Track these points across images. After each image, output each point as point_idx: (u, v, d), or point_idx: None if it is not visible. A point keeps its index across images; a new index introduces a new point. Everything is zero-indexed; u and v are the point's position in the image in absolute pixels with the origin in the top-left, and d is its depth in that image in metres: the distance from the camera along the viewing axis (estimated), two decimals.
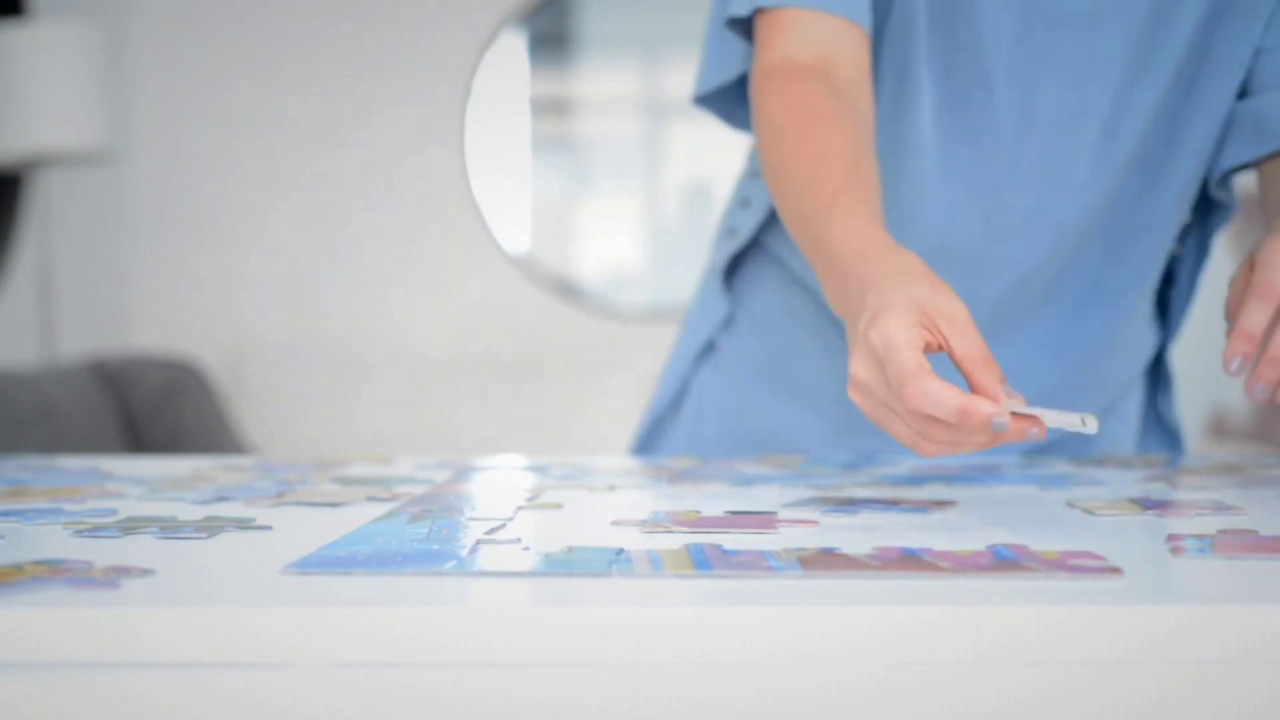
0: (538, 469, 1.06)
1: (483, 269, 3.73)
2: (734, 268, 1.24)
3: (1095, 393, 1.19)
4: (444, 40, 3.71)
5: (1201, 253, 1.20)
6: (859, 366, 0.77)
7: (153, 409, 3.03)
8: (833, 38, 1.00)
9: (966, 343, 0.76)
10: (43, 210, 3.09)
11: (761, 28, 1.02)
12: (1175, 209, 1.13)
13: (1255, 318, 0.85)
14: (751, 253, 1.23)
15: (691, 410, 1.25)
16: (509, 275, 3.73)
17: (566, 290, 3.77)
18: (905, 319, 0.75)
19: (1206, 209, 1.19)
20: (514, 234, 3.79)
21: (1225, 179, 1.14)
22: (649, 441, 1.29)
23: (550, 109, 3.94)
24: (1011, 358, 1.09)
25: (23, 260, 3.20)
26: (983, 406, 0.72)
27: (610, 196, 4.05)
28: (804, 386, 1.20)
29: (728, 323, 1.24)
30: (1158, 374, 1.28)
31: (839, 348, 1.17)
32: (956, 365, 0.76)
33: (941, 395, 0.72)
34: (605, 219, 4.01)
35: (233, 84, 3.70)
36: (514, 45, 3.79)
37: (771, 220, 1.19)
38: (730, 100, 1.14)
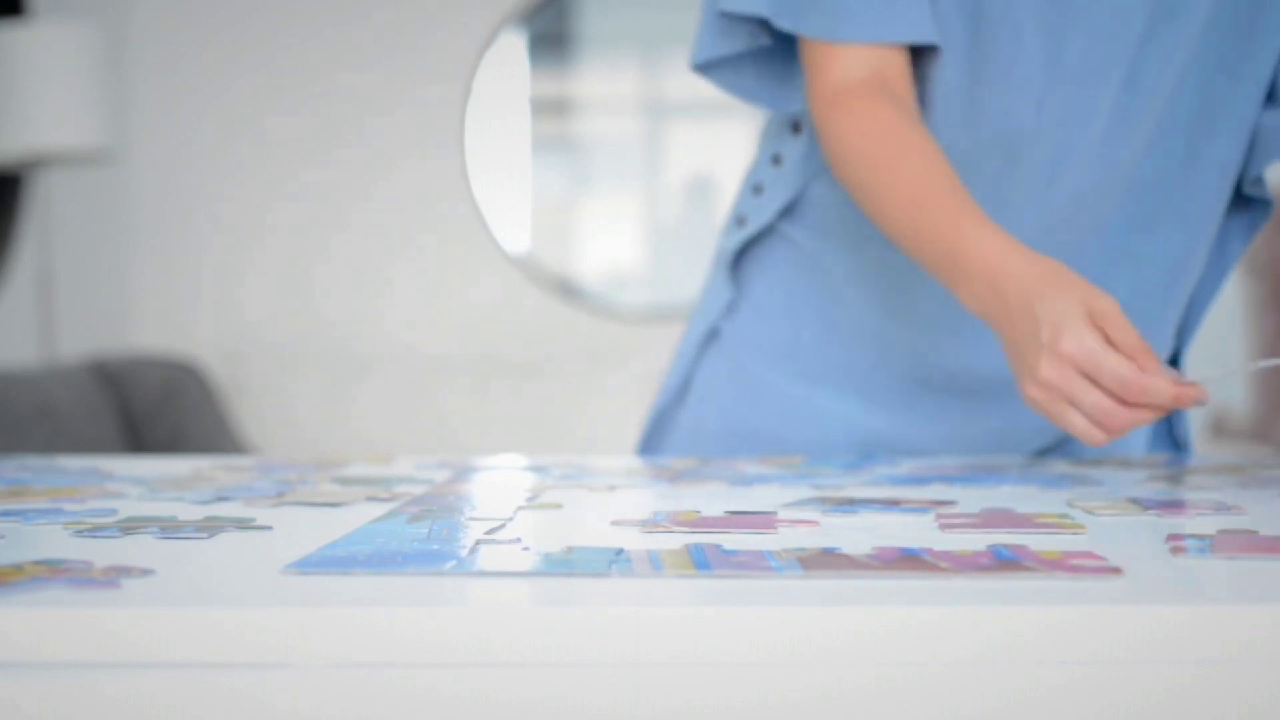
0: (537, 469, 1.06)
1: (483, 269, 3.73)
2: (740, 255, 1.24)
3: None
4: (444, 40, 3.71)
5: (1226, 255, 1.19)
6: (1049, 370, 0.87)
7: (153, 409, 3.03)
8: (884, 54, 1.05)
9: (1126, 334, 0.86)
10: (43, 210, 3.09)
11: (811, 48, 1.07)
12: (1210, 190, 1.11)
13: None
14: (761, 239, 1.23)
15: (696, 399, 1.25)
16: (509, 275, 3.73)
17: (566, 290, 3.77)
18: (1089, 328, 0.86)
19: (1238, 208, 1.18)
20: (514, 234, 3.79)
21: (1259, 178, 1.14)
22: (655, 434, 1.29)
23: (550, 109, 3.94)
24: None
25: (23, 260, 3.20)
26: (1187, 391, 0.85)
27: (610, 196, 4.05)
28: (811, 366, 1.20)
29: (730, 309, 1.24)
30: None
31: (847, 327, 1.18)
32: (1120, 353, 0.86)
33: (1159, 388, 0.85)
34: (605, 219, 4.01)
35: (233, 84, 3.70)
36: (514, 45, 3.79)
37: (788, 207, 1.19)
38: (729, 69, 1.14)
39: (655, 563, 0.63)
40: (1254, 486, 0.92)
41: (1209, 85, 1.09)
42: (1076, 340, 0.85)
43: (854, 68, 1.05)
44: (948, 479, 0.97)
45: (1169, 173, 1.10)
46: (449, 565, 0.63)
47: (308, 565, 0.63)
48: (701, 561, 0.64)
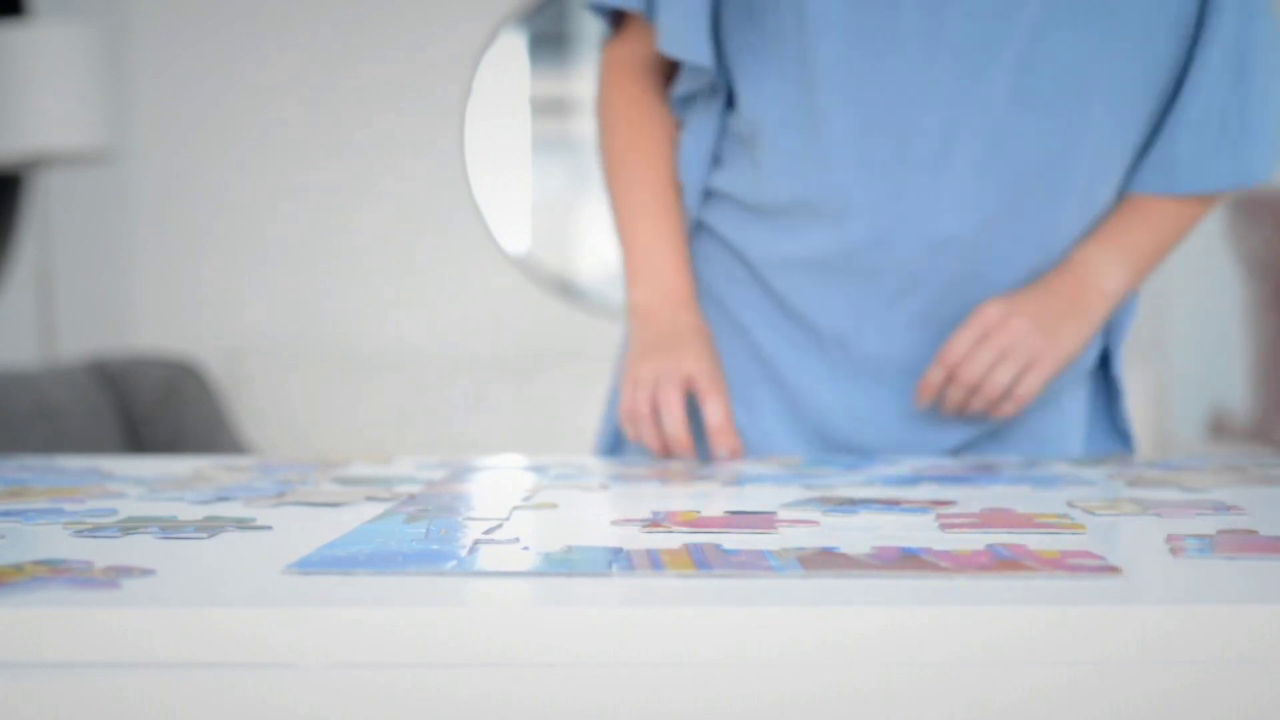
0: (536, 469, 1.06)
1: (483, 269, 3.73)
2: None
3: None
4: (444, 40, 3.71)
5: None
6: (633, 396, 1.16)
7: (153, 409, 3.03)
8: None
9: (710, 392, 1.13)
10: (43, 210, 3.09)
11: (624, 17, 1.25)
12: (1110, 174, 1.14)
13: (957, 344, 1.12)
14: (692, 235, 1.26)
15: None
16: (509, 275, 3.73)
17: (566, 290, 3.77)
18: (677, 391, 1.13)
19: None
20: (514, 234, 3.79)
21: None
22: (615, 446, 1.29)
23: (550, 109, 3.94)
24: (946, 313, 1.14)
25: (23, 260, 3.20)
26: (716, 440, 1.12)
27: None
28: (753, 353, 1.22)
29: None
30: (1107, 383, 1.27)
31: (778, 316, 1.20)
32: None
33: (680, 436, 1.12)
34: (605, 219, 4.01)
35: (233, 84, 3.70)
36: (514, 45, 3.79)
37: (706, 199, 1.23)
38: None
39: (655, 563, 0.63)
40: (1254, 486, 0.92)
41: (1109, 70, 1.10)
42: (662, 396, 1.11)
43: (646, 48, 1.22)
44: (947, 479, 0.97)
45: (1069, 155, 1.12)
46: (449, 565, 0.63)
47: (308, 565, 0.63)
48: (701, 561, 0.64)
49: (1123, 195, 1.17)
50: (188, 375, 3.17)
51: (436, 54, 3.71)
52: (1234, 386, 3.60)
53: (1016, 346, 1.11)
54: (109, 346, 3.50)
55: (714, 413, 1.10)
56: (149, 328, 3.70)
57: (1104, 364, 1.26)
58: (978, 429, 1.19)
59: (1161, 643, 0.54)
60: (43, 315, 3.02)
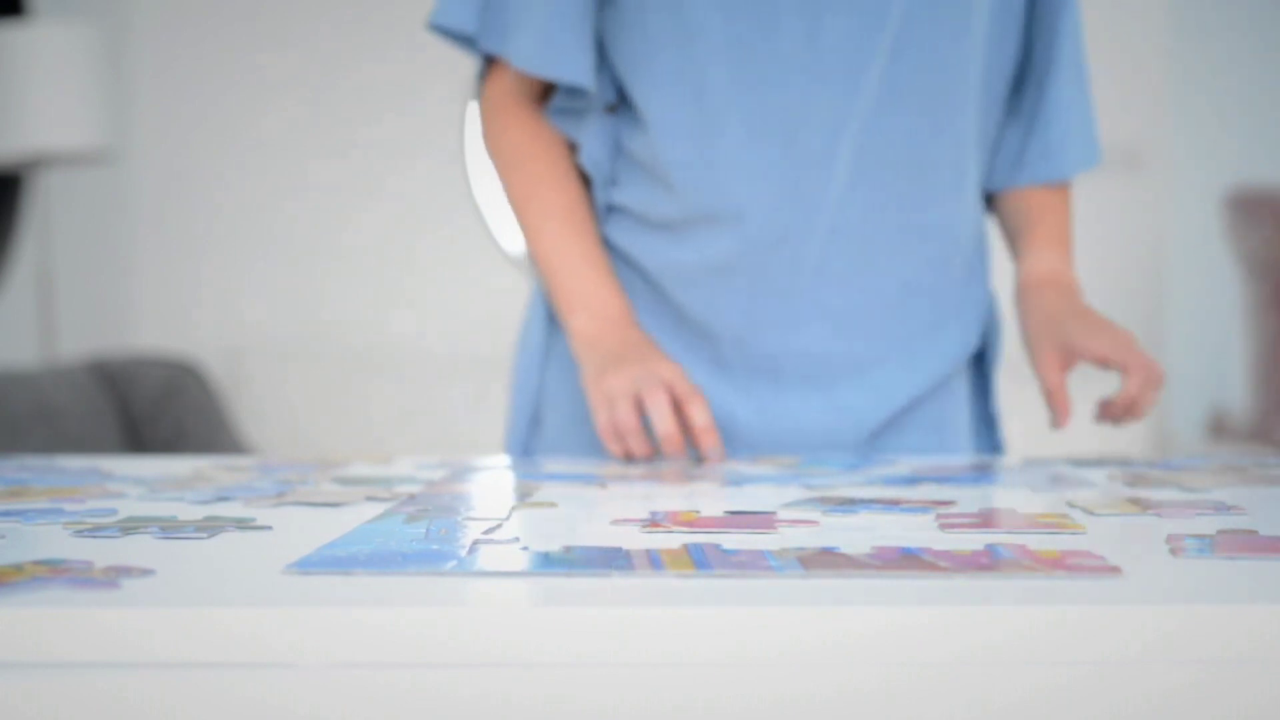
0: (535, 468, 1.06)
1: (483, 269, 3.73)
2: None
3: (929, 354, 1.23)
4: (444, 40, 3.71)
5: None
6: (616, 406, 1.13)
7: (153, 409, 3.03)
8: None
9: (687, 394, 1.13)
10: (43, 210, 3.09)
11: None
12: (963, 151, 1.19)
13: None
14: None
15: (551, 417, 1.27)
16: (509, 275, 3.73)
17: None
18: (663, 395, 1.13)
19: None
20: (514, 234, 3.79)
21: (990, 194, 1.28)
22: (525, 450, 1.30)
23: None
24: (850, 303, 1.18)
25: (23, 260, 3.20)
26: (700, 440, 1.11)
27: None
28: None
29: (554, 327, 1.27)
30: (979, 371, 1.32)
31: (675, 324, 1.22)
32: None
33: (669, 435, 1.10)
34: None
35: (233, 84, 3.70)
36: None
37: (607, 214, 1.25)
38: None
39: (655, 563, 0.63)
40: (1254, 486, 0.92)
41: (970, 63, 1.17)
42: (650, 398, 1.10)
43: (526, 82, 1.23)
44: (946, 479, 0.97)
45: (939, 144, 1.18)
46: (449, 565, 0.63)
47: (308, 565, 0.63)
48: (701, 561, 0.64)
49: (1003, 189, 1.27)
50: (188, 375, 3.17)
51: (436, 54, 3.71)
52: (1234, 386, 3.60)
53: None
54: (109, 346, 3.50)
55: (699, 414, 1.10)
56: (149, 328, 3.71)
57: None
58: (880, 418, 1.21)
59: (1161, 643, 0.54)
60: (43, 315, 3.02)
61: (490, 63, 1.25)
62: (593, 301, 1.19)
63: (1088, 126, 1.26)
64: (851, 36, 1.13)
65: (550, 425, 1.27)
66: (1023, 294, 1.22)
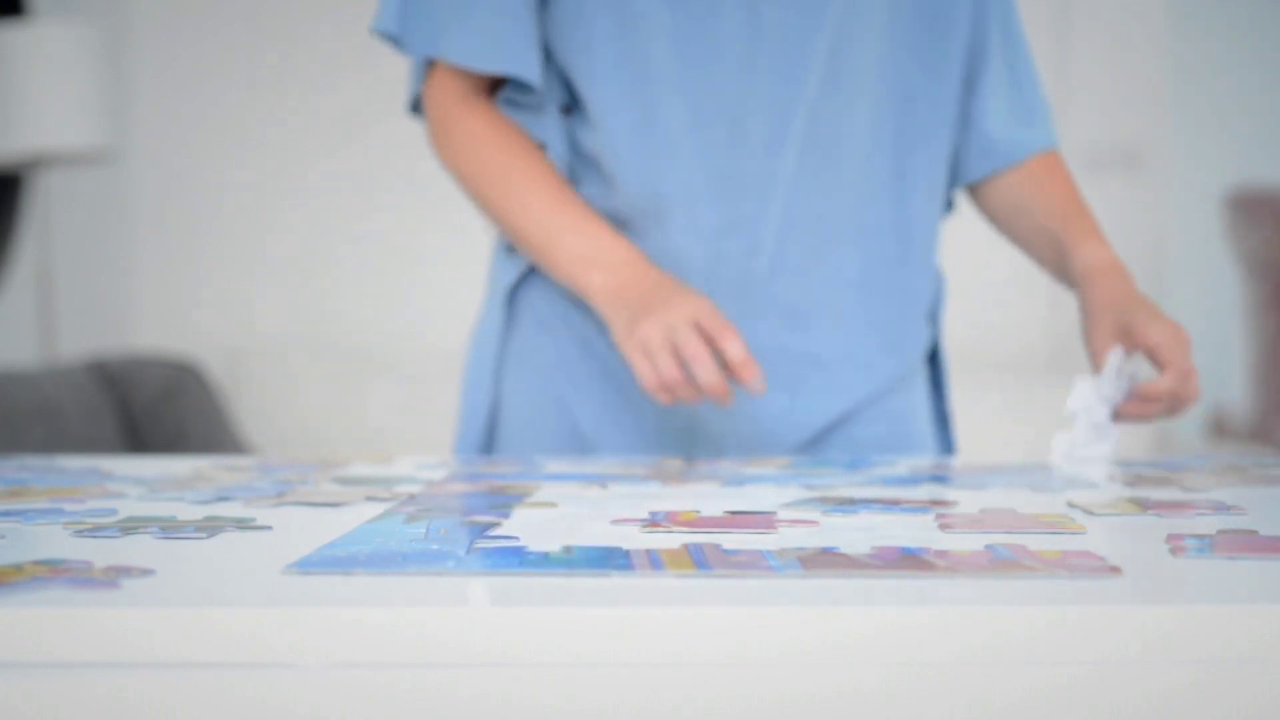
0: (535, 468, 1.06)
1: (483, 269, 3.73)
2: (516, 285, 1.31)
3: (898, 346, 1.24)
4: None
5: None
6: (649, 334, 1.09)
7: (153, 409, 3.03)
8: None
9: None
10: (43, 210, 3.08)
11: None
12: (912, 146, 1.20)
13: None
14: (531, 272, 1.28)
15: (507, 419, 1.27)
16: None
17: None
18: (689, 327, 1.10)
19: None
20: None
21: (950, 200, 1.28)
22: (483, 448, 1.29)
23: None
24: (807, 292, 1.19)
25: (23, 260, 3.20)
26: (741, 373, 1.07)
27: None
28: (607, 374, 1.23)
29: (512, 327, 1.28)
30: (936, 369, 1.33)
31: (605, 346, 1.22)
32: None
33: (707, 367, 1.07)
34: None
35: (234, 83, 3.70)
36: None
37: None
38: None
39: (655, 563, 0.63)
40: (1254, 486, 0.92)
41: (908, 78, 1.19)
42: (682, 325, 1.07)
43: (474, 79, 1.20)
44: (946, 479, 0.97)
45: (879, 133, 1.19)
46: (449, 565, 0.63)
47: (308, 565, 0.63)
48: (701, 561, 0.64)
49: (984, 178, 1.26)
50: (188, 375, 3.17)
51: None
52: (1234, 386, 3.60)
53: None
54: (109, 346, 3.50)
55: (735, 348, 1.08)
56: (149, 328, 3.70)
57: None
58: (837, 412, 1.21)
59: (1161, 643, 0.54)
60: (43, 315, 3.02)
61: (430, 69, 1.22)
62: (605, 256, 1.17)
63: (1024, 108, 1.25)
64: (791, 26, 1.14)
65: (506, 427, 1.26)
66: (1086, 278, 1.18)
